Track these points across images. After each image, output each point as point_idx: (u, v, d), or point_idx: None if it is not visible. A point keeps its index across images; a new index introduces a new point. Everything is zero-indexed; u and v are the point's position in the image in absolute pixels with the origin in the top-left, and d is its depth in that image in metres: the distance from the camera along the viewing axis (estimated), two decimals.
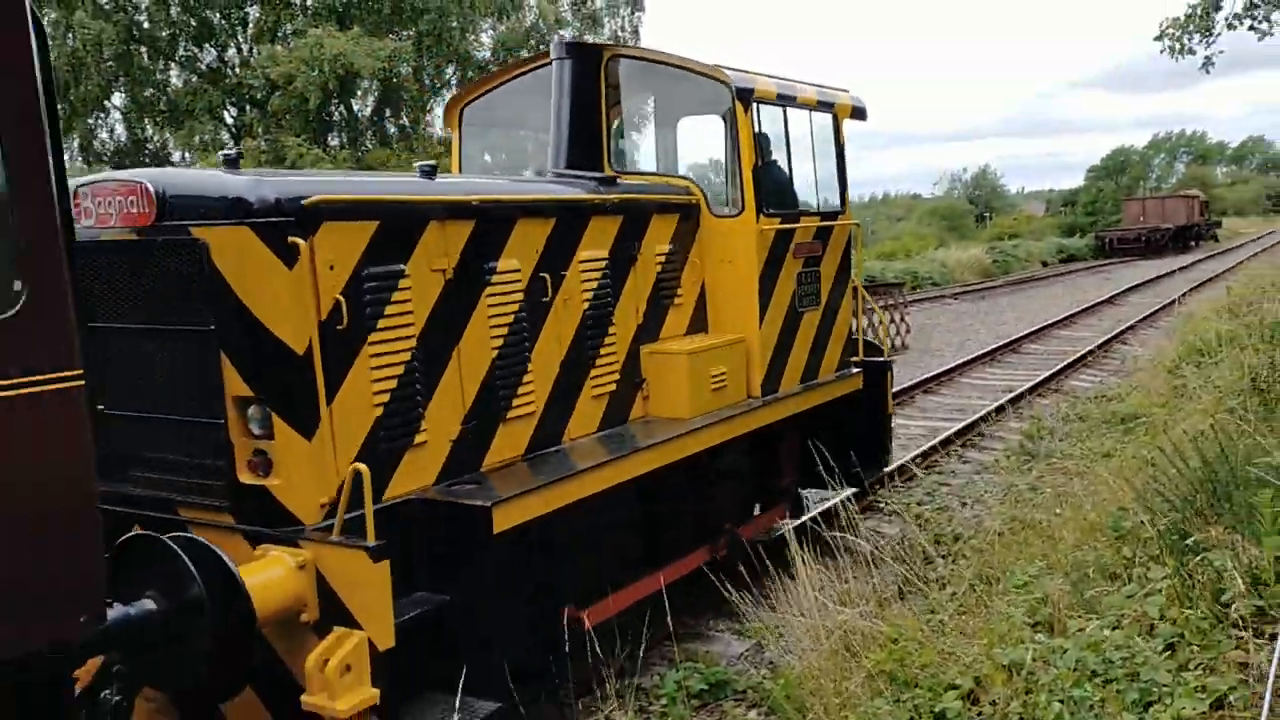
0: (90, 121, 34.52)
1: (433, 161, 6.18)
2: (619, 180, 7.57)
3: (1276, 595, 4.76)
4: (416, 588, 5.24)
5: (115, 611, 4.13)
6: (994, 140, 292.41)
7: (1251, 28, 18.31)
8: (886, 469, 10.21)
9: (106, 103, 34.09)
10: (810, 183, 8.60)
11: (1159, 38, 19.12)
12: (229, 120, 34.82)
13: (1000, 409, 14.92)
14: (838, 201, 9.00)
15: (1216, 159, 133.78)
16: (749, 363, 7.84)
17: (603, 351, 6.96)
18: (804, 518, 8.74)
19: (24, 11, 3.43)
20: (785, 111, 8.18)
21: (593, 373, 6.88)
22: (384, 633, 4.70)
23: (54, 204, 3.52)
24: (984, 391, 16.92)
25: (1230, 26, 18.34)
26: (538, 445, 6.42)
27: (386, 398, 5.38)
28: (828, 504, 8.90)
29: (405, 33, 34.04)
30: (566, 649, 5.97)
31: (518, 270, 6.26)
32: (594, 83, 7.84)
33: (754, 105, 7.76)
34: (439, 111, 37.98)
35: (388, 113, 36.52)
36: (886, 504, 10.15)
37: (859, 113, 9.20)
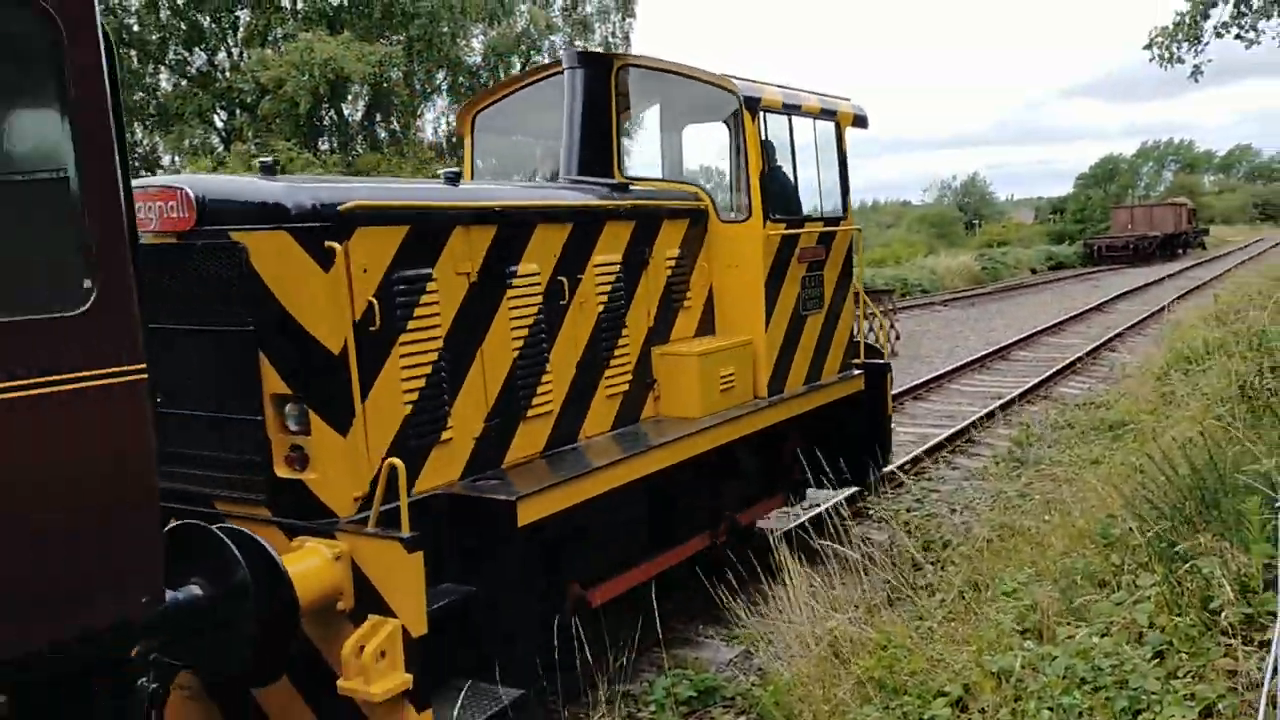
0: None
1: (456, 169, 6.44)
2: (631, 187, 7.82)
3: (1265, 603, 4.76)
4: (443, 579, 5.43)
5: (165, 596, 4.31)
6: (984, 148, 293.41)
7: (1238, 36, 18.42)
8: (887, 468, 10.47)
9: None
10: (813, 189, 8.86)
11: (1148, 47, 19.24)
12: (219, 124, 34.78)
13: (989, 416, 14.93)
14: (840, 207, 9.25)
15: (1204, 167, 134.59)
16: (756, 364, 8.08)
17: (616, 352, 7.19)
18: (792, 525, 8.73)
19: (96, 28, 3.68)
20: (790, 119, 8.44)
21: (607, 373, 7.11)
22: (417, 620, 4.91)
23: (121, 207, 3.74)
24: (973, 398, 16.94)
25: (1218, 34, 18.45)
26: (555, 443, 6.64)
27: (415, 396, 5.60)
28: (817, 509, 8.90)
29: (396, 37, 34.05)
30: (576, 628, 6.16)
31: (537, 274, 6.49)
32: (605, 91, 8.10)
33: (761, 114, 8.01)
34: (429, 116, 37.93)
35: (378, 117, 36.52)
36: (876, 510, 10.14)
37: (860, 120, 9.47)
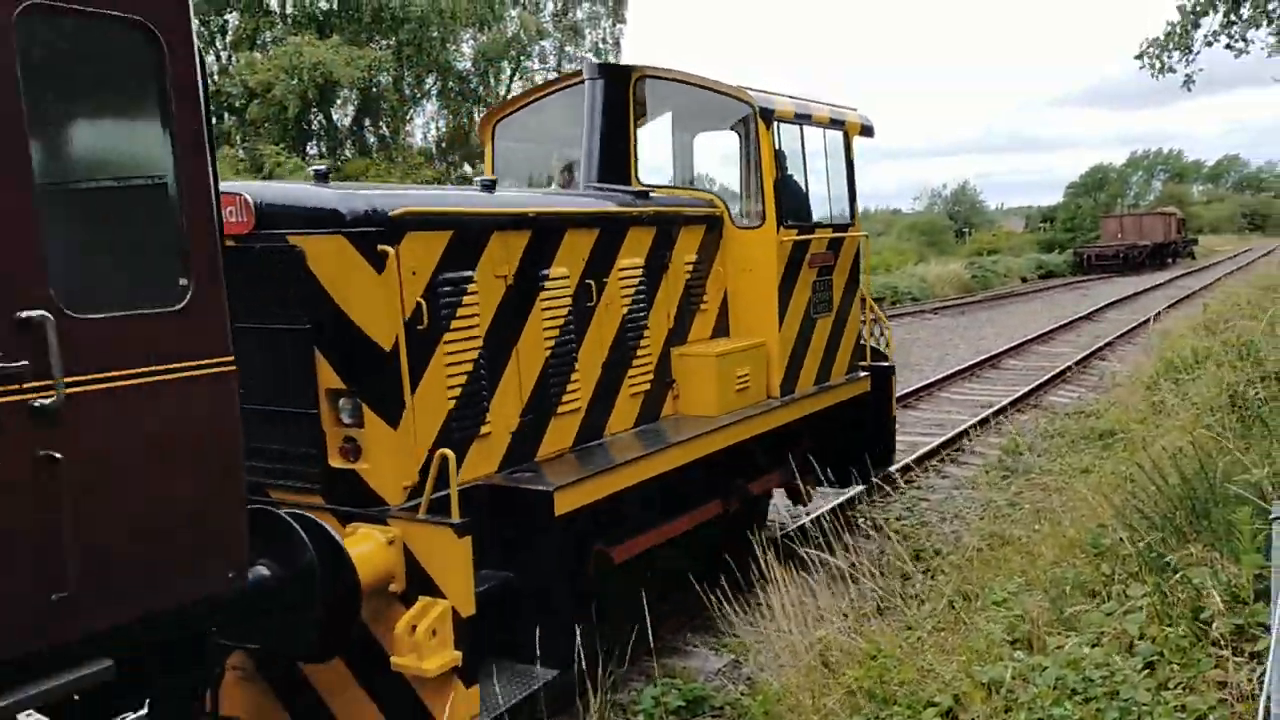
0: None
1: (492, 177, 6.86)
2: (651, 194, 8.18)
3: (1255, 614, 4.76)
4: (482, 566, 5.68)
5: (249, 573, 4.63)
6: (974, 156, 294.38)
7: (1228, 45, 18.49)
8: (891, 468, 10.89)
9: None
10: (823, 196, 9.24)
11: (1139, 56, 19.30)
12: None
13: (979, 424, 14.94)
14: (847, 214, 9.67)
15: (1193, 177, 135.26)
16: (769, 365, 8.48)
17: (639, 353, 7.57)
18: (779, 534, 8.75)
19: (193, 47, 4.07)
20: (801, 129, 8.85)
21: (630, 372, 7.48)
22: (466, 601, 5.27)
23: (213, 210, 4.14)
24: (963, 406, 17.00)
25: (1208, 43, 18.51)
26: (583, 439, 7.02)
27: (458, 392, 5.97)
28: (806, 519, 8.92)
29: (385, 42, 34.09)
30: (597, 590, 6.59)
31: (567, 277, 6.86)
32: (624, 101, 8.47)
33: (775, 124, 8.42)
34: (419, 121, 37.93)
35: (367, 122, 36.49)
36: (865, 519, 10.14)
37: (867, 130, 9.93)
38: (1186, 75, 19.21)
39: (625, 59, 38.77)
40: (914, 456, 13.02)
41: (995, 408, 16.21)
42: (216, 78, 33.35)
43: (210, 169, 4.14)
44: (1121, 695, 4.53)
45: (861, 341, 10.00)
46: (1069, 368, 20.38)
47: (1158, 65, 19.22)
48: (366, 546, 5.19)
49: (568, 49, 38.80)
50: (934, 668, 5.60)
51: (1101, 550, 6.39)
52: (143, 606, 3.93)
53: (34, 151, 3.57)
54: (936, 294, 39.64)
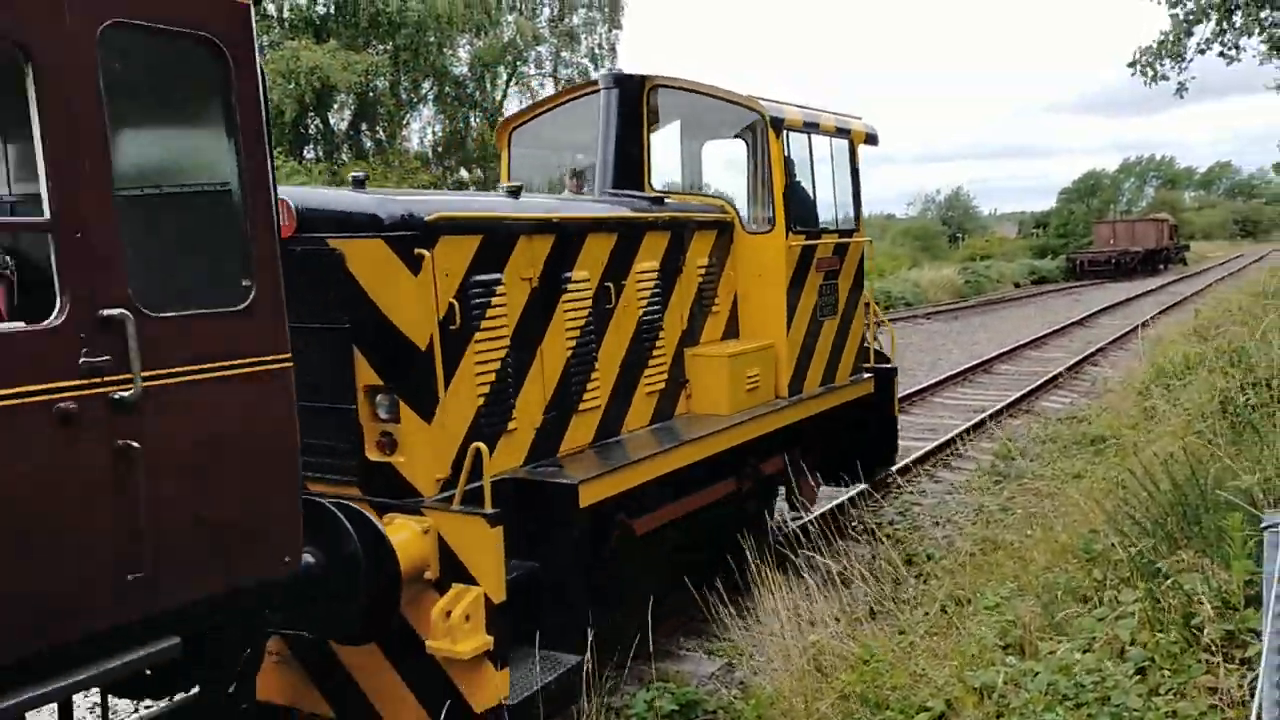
0: None
1: (519, 183, 7.17)
2: (666, 200, 8.49)
3: (1246, 620, 4.76)
4: (509, 556, 5.88)
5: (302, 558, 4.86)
6: (969, 162, 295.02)
7: (1221, 53, 18.56)
8: (894, 466, 11.28)
9: None
10: (829, 202, 9.59)
11: (1132, 64, 19.37)
12: None
13: (972, 429, 14.95)
14: (852, 220, 9.99)
15: (1185, 183, 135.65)
16: (778, 366, 8.77)
17: (654, 353, 7.85)
18: (773, 538, 8.77)
19: (256, 62, 4.32)
20: (810, 138, 9.19)
21: (646, 372, 7.77)
22: (497, 588, 5.53)
23: (273, 215, 4.39)
24: (956, 411, 17.06)
25: (1201, 51, 18.58)
26: (602, 435, 7.31)
27: (487, 389, 6.24)
28: (799, 522, 8.95)
29: (382, 47, 34.06)
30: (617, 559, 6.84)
31: (588, 280, 7.15)
32: (637, 110, 8.78)
33: (785, 132, 8.74)
34: (415, 126, 37.92)
35: (364, 126, 36.45)
36: (858, 522, 10.15)
37: (872, 138, 10.27)
38: (1179, 83, 19.30)
39: (621, 65, 38.82)
40: (907, 461, 13.04)
41: (988, 412, 16.26)
42: None
43: (270, 175, 4.38)
44: (1113, 701, 4.55)
45: (865, 344, 10.28)
46: (1061, 373, 20.45)
47: (1150, 73, 19.29)
48: (403, 536, 5.45)
49: (564, 54, 38.87)
50: (926, 672, 5.62)
51: (1093, 555, 6.41)
52: (208, 587, 4.19)
53: (113, 159, 3.82)
54: (930, 299, 39.72)
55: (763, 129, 8.73)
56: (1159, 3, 19.05)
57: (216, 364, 4.13)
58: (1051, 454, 12.72)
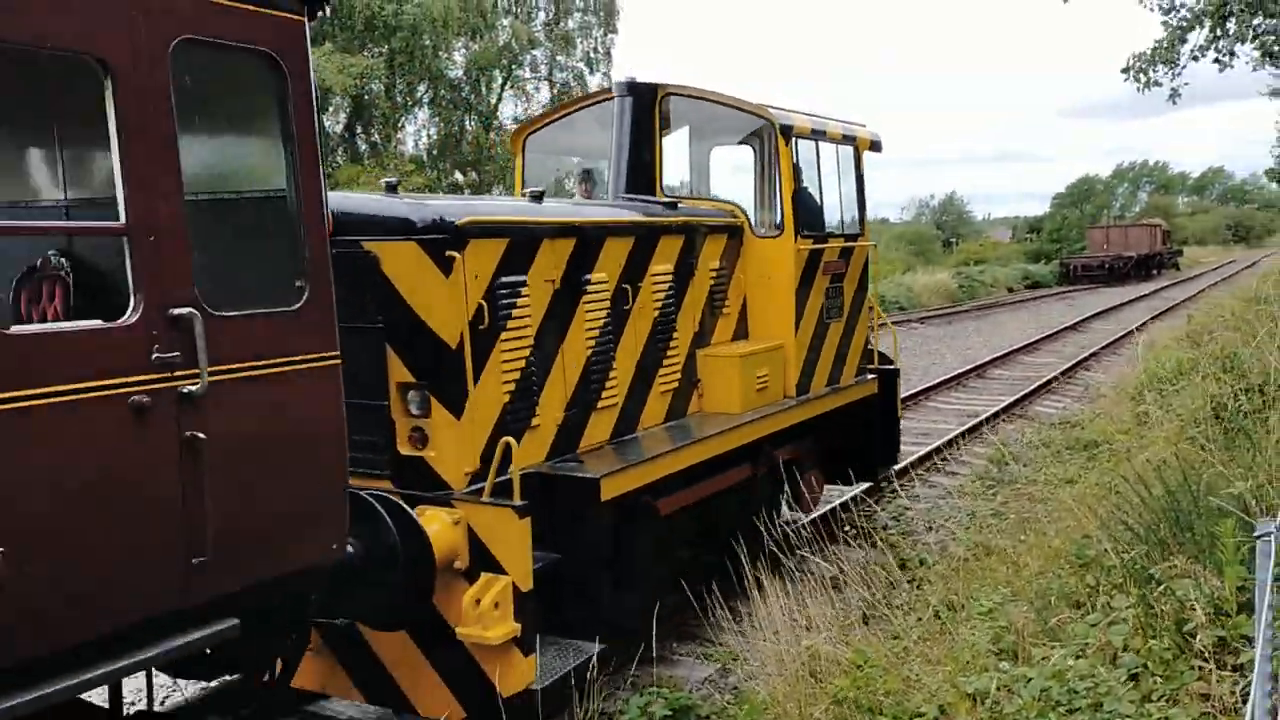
0: None
1: (541, 188, 7.37)
2: (679, 204, 8.76)
3: (1238, 626, 4.78)
4: (533, 547, 6.14)
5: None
6: (961, 166, 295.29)
7: (1216, 60, 18.59)
8: (897, 465, 11.53)
9: None
10: (835, 207, 9.86)
11: (1126, 70, 19.39)
12: None
13: (966, 433, 14.96)
14: (857, 224, 10.28)
15: (1178, 189, 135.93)
16: (786, 366, 9.05)
17: (669, 353, 8.12)
18: (768, 540, 8.79)
19: (310, 74, 4.56)
20: (817, 145, 9.47)
21: (661, 371, 8.03)
22: (525, 577, 5.77)
23: (324, 220, 4.66)
24: (950, 416, 17.09)
25: (1194, 58, 18.61)
26: (619, 432, 7.57)
27: (512, 387, 6.49)
28: (792, 526, 8.99)
29: (377, 50, 34.01)
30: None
31: (606, 282, 7.40)
32: (650, 117, 9.04)
33: (793, 140, 9.01)
34: (410, 129, 37.88)
35: (359, 129, 36.39)
36: (852, 527, 10.14)
37: (876, 145, 10.57)
38: (1172, 89, 19.33)
39: (616, 69, 38.83)
40: (901, 465, 13.03)
41: (981, 417, 16.28)
42: None
43: (321, 182, 4.64)
44: (1106, 707, 4.57)
45: (869, 346, 10.58)
46: (1055, 378, 20.48)
47: (1144, 78, 19.32)
48: (435, 527, 5.69)
49: (559, 58, 38.91)
50: (920, 678, 5.64)
51: (1086, 561, 6.43)
52: (263, 572, 4.43)
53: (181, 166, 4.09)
54: (923, 303, 39.78)
55: (773, 136, 9.00)
56: (1152, 10, 19.11)
57: (273, 360, 4.39)
58: (1045, 459, 12.72)
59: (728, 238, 8.85)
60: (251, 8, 4.30)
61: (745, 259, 9.02)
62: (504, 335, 6.39)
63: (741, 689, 6.95)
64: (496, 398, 6.35)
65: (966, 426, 15.57)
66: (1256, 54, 19.24)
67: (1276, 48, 18.75)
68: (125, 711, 5.25)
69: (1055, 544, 7.47)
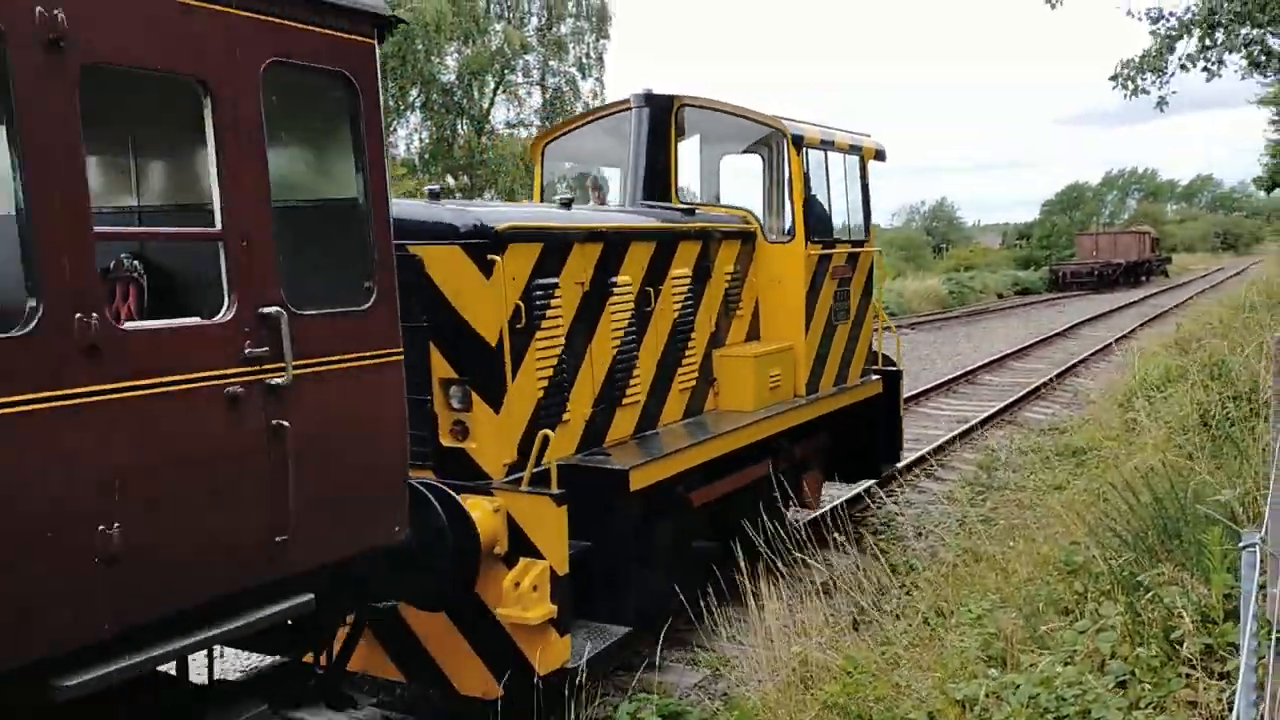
0: None
1: (570, 195, 7.85)
2: (696, 211, 9.23)
3: (1225, 633, 4.81)
4: None
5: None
6: (957, 174, 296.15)
7: (1205, 68, 18.65)
8: (899, 463, 11.98)
9: None
10: (842, 214, 10.33)
11: (1113, 77, 19.46)
12: None
13: (956, 439, 14.98)
14: (863, 231, 10.75)
15: (1167, 196, 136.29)
16: (796, 366, 9.46)
17: (687, 352, 8.54)
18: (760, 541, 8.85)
19: (379, 91, 4.96)
20: (826, 154, 9.93)
21: (679, 370, 8.45)
22: (561, 561, 6.17)
23: (390, 226, 5.07)
24: (940, 421, 17.14)
25: (1183, 68, 18.67)
26: (641, 428, 7.98)
27: (545, 383, 6.89)
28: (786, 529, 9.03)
29: None
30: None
31: (630, 284, 7.81)
32: (666, 127, 9.47)
33: (805, 149, 9.45)
34: (402, 133, 37.86)
35: None
36: (841, 532, 10.16)
37: (880, 155, 11.04)
38: (1160, 96, 19.40)
39: (609, 75, 38.85)
40: (890, 472, 13.04)
41: (971, 423, 16.32)
42: None
43: (387, 190, 5.08)
44: (1094, 714, 4.62)
45: (874, 348, 11.05)
46: (1044, 384, 20.56)
47: (1131, 86, 19.38)
48: (478, 514, 6.06)
49: (551, 63, 38.93)
50: (909, 684, 5.63)
51: (1074, 568, 6.48)
52: (336, 552, 4.82)
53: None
54: (914, 309, 39.89)
55: (786, 146, 9.43)
56: (1139, 19, 19.19)
57: (346, 356, 4.80)
58: (1034, 465, 12.78)
59: (741, 243, 9.27)
60: (330, 33, 4.72)
61: (757, 263, 9.46)
62: (538, 334, 6.78)
63: (732, 694, 6.96)
64: (532, 393, 6.74)
65: (956, 432, 15.62)
66: (1244, 63, 19.33)
67: (1263, 57, 18.83)
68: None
69: (1044, 551, 7.52)
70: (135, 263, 5.64)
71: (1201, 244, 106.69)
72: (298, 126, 5.30)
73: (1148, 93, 19.56)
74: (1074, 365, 23.51)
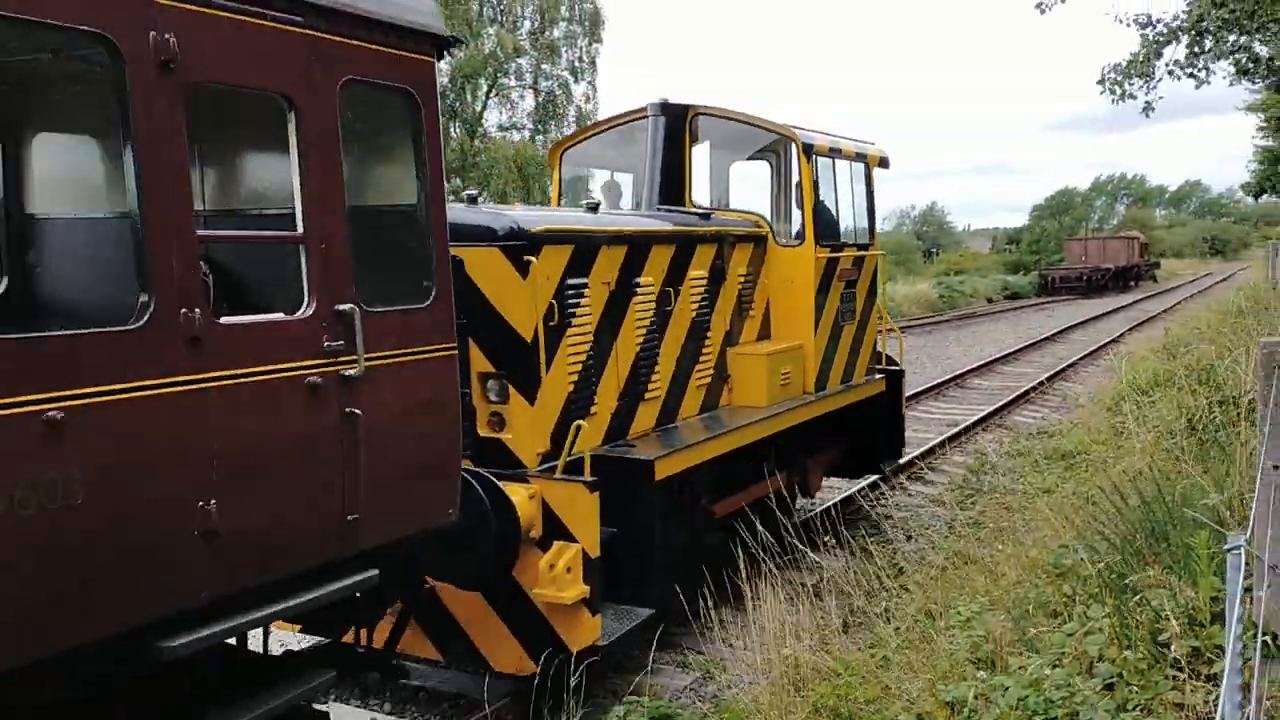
0: None
1: (597, 199, 8.37)
2: (712, 215, 9.68)
3: (1211, 636, 4.82)
4: None
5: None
6: (951, 179, 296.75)
7: (1191, 74, 18.70)
8: (901, 460, 12.46)
9: None
10: (849, 219, 10.75)
11: (1100, 81, 19.52)
12: None
13: (945, 442, 15.01)
14: (868, 235, 11.22)
15: (1156, 201, 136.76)
16: (805, 364, 9.92)
17: (704, 350, 9.00)
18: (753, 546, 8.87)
19: (437, 104, 5.41)
20: (834, 162, 10.36)
21: (697, 367, 8.91)
22: (593, 545, 6.58)
23: (446, 230, 5.45)
24: (929, 425, 17.24)
25: (1171, 74, 18.72)
26: (662, 421, 8.44)
27: (575, 378, 7.33)
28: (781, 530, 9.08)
29: None
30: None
31: (652, 285, 8.26)
32: (681, 134, 9.91)
33: (814, 157, 9.89)
34: None
35: None
36: (831, 534, 10.17)
37: (884, 162, 11.51)
38: (1146, 101, 19.45)
39: (601, 79, 38.80)
40: (882, 475, 13.06)
41: (961, 426, 16.37)
42: None
43: (444, 196, 5.47)
44: (1081, 716, 4.63)
45: (878, 348, 11.51)
46: (1033, 388, 20.67)
47: (1118, 90, 19.43)
48: (516, 500, 6.45)
49: (544, 67, 38.96)
50: (898, 686, 5.64)
51: (1063, 571, 6.50)
52: (398, 531, 5.21)
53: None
54: (904, 313, 39.95)
55: (796, 153, 9.87)
56: (1128, 25, 19.24)
57: (410, 349, 5.20)
58: (1023, 468, 12.86)
59: (754, 246, 9.73)
60: (396, 52, 5.14)
61: (768, 265, 9.92)
62: (569, 331, 7.22)
63: (722, 697, 6.97)
64: (563, 387, 7.17)
65: (946, 435, 15.66)
66: (1232, 70, 19.41)
67: (1251, 64, 18.92)
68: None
69: (1033, 553, 7.56)
70: (202, 264, 5.76)
71: (1190, 249, 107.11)
72: (367, 138, 5.70)
73: (1134, 97, 19.65)
74: (1063, 369, 23.69)
